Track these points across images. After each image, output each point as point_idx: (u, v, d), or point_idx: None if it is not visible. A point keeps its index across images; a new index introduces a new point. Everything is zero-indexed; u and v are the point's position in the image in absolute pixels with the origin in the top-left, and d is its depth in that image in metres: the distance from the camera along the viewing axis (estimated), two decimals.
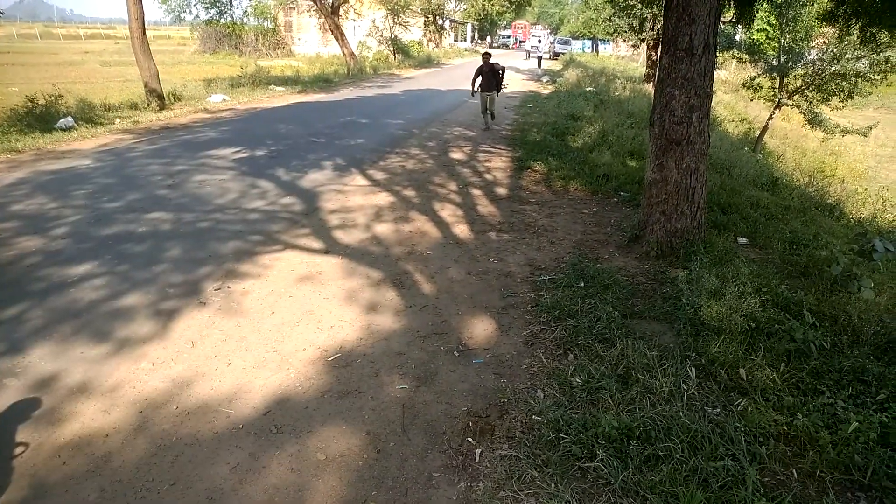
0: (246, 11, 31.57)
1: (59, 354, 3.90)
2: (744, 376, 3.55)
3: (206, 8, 23.86)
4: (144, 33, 15.18)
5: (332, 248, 5.95)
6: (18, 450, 3.04)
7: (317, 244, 6.03)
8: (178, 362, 3.86)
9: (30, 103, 12.09)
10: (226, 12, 24.49)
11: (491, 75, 12.90)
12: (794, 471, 2.92)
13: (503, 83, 13.82)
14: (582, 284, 4.96)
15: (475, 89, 13.09)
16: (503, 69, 13.23)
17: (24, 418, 3.27)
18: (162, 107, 14.96)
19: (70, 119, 12.08)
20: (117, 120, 13.11)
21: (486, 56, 13.02)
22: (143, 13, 15.02)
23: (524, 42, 59.73)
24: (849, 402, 3.30)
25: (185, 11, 24.13)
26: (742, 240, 6.22)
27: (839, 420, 3.14)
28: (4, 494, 2.74)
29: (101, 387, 3.58)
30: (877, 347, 3.92)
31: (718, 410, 3.31)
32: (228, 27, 26.72)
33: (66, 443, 3.10)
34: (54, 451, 3.03)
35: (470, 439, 3.20)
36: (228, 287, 5.00)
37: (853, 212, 10.17)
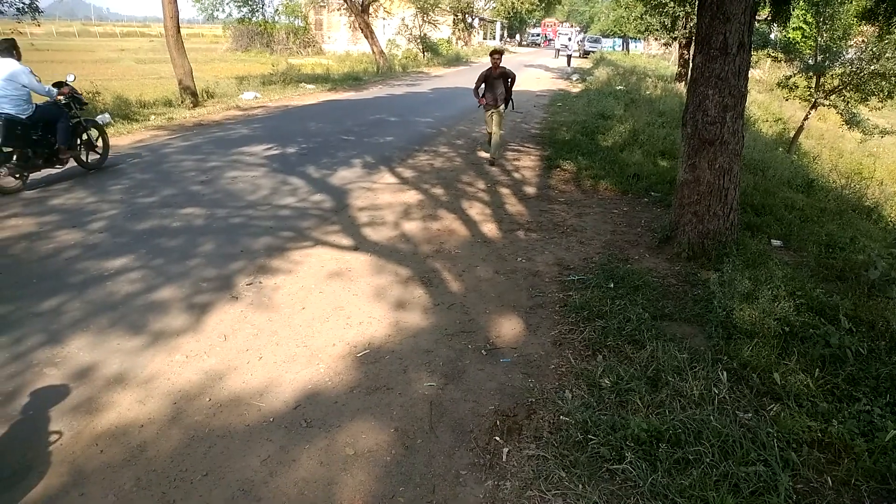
0: (277, 10, 31.95)
1: (96, 345, 4.00)
2: (777, 381, 3.49)
3: (239, 6, 24.20)
4: (179, 31, 15.45)
5: (362, 245, 6.00)
6: (53, 437, 3.14)
7: (346, 241, 6.09)
8: (211, 355, 3.94)
9: None
10: (258, 10, 24.81)
11: (500, 84, 9.55)
12: (828, 478, 2.86)
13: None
14: (611, 285, 4.92)
15: (481, 101, 9.77)
16: (513, 77, 9.61)
17: (63, 407, 3.37)
18: (195, 104, 15.21)
19: (107, 115, 12.25)
20: (152, 117, 13.38)
21: (496, 57, 9.46)
22: (178, 11, 15.29)
23: (554, 40, 59.25)
24: (886, 410, 3.23)
25: (218, 10, 24.52)
26: (776, 242, 6.11)
27: (876, 428, 3.07)
28: (44, 479, 2.83)
29: (136, 378, 3.66)
30: None
31: (750, 415, 3.26)
32: (260, 25, 27.06)
33: (104, 432, 3.18)
34: (92, 440, 3.11)
35: (497, 438, 3.20)
36: (260, 282, 5.08)
37: (892, 215, 9.90)
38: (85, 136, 8.38)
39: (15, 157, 7.25)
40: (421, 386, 3.67)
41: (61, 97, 7.86)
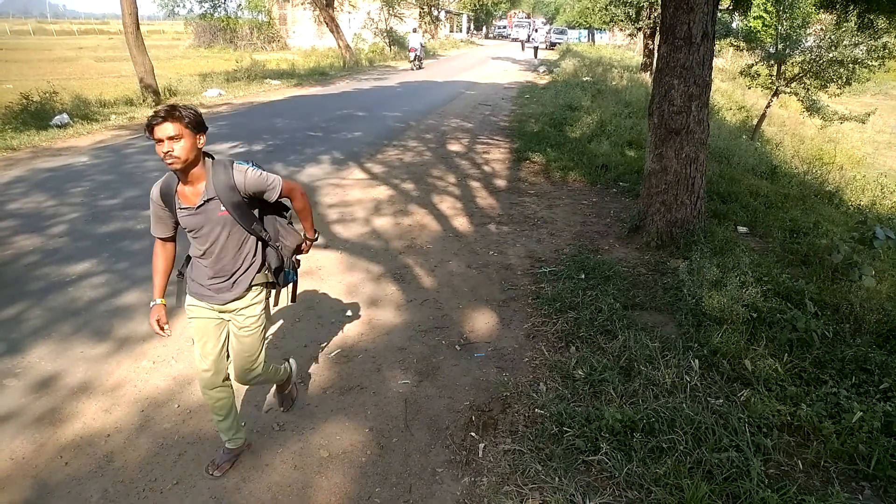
0: (240, 5, 31.26)
1: (59, 354, 3.88)
2: (747, 367, 3.54)
3: (200, 2, 23.66)
4: (138, 28, 15.04)
5: (332, 242, 5.93)
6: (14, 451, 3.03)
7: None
8: (179, 360, 3.85)
9: (25, 100, 11.99)
10: (220, 6, 24.27)
11: (229, 228, 2.56)
12: (798, 461, 2.92)
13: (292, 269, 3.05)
14: (583, 276, 4.95)
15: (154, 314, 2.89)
16: (297, 193, 2.75)
17: (25, 418, 3.26)
18: (157, 102, 14.83)
19: (65, 116, 12.00)
20: (113, 116, 13.02)
21: (167, 135, 2.41)
22: (137, 8, 14.87)
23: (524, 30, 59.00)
24: (852, 392, 3.30)
25: (178, 6, 23.92)
26: (742, 229, 6.21)
27: (843, 409, 3.13)
28: (5, 495, 2.74)
29: (101, 386, 3.56)
30: (879, 336, 3.92)
31: (721, 401, 3.30)
32: (223, 21, 26.50)
33: (69, 443, 3.09)
34: (56, 452, 3.02)
35: (473, 434, 3.19)
36: None
37: (852, 199, 10.14)
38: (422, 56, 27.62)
39: (417, 60, 26.88)
40: (395, 384, 3.65)
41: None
